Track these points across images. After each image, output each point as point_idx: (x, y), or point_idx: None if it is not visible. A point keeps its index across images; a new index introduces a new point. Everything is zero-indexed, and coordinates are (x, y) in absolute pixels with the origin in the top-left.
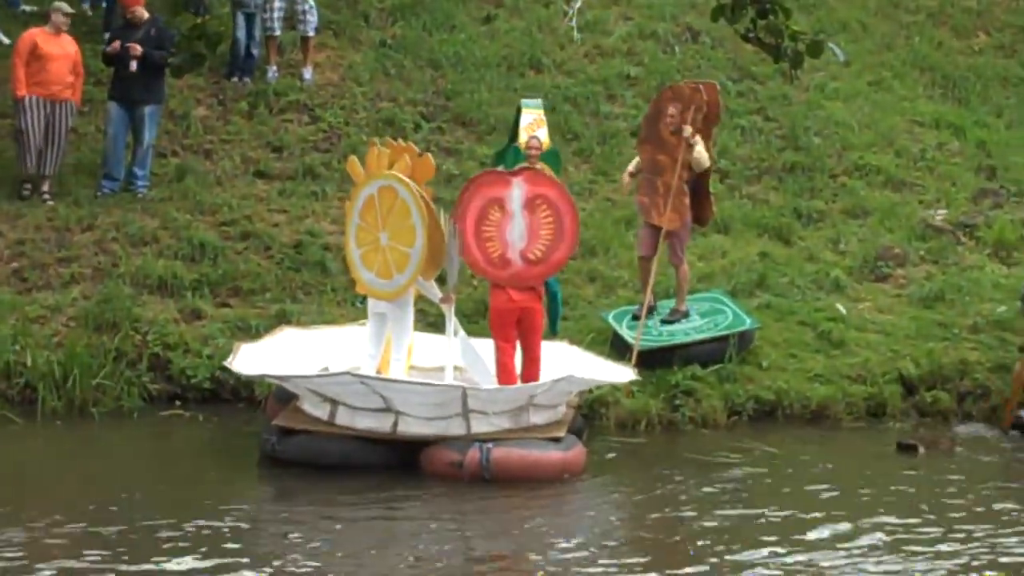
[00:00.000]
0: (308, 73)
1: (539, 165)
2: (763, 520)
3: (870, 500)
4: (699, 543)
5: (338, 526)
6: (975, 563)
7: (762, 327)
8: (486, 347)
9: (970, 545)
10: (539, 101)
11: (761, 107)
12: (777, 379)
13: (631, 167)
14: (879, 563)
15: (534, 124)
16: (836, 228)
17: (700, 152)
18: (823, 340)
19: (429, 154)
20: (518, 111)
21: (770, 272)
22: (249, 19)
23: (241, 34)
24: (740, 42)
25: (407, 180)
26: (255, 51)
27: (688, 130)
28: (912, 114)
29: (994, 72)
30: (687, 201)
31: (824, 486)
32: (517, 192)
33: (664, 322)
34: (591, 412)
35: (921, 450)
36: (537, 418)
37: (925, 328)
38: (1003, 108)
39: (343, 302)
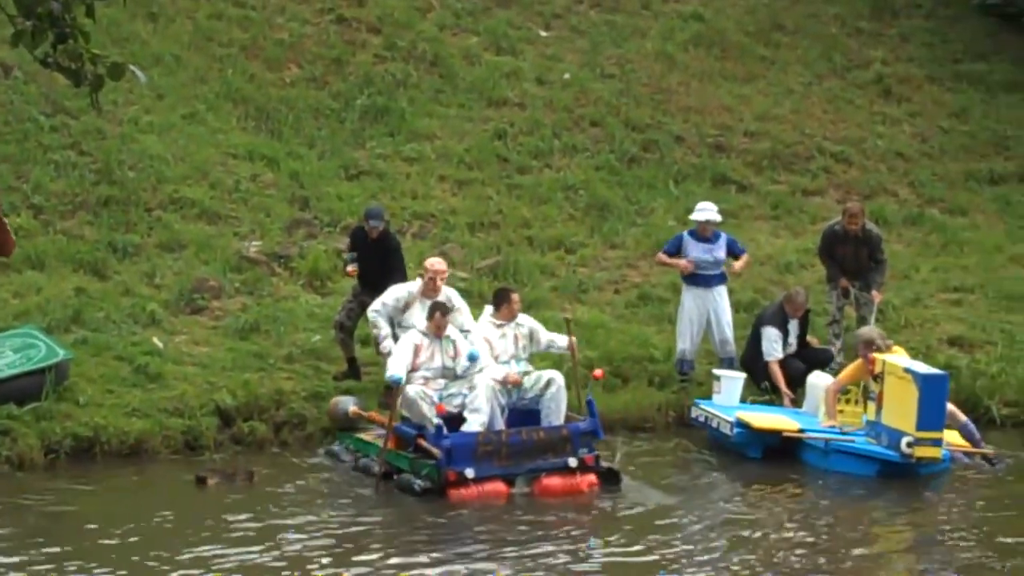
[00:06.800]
0: None
1: None
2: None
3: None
4: None
5: None
6: None
7: (79, 362)
8: None
9: None
10: None
11: (75, 141)
12: (95, 415)
13: None
14: None
15: None
16: (151, 261)
17: None
18: (140, 374)
19: None
20: None
21: (86, 307)
22: None
23: None
24: (55, 76)
25: None
26: None
27: None
28: (226, 146)
29: (306, 104)
30: None
31: (122, 525)
32: None
33: None
34: None
35: (211, 481)
36: None
37: (241, 359)
38: (315, 139)
39: None
